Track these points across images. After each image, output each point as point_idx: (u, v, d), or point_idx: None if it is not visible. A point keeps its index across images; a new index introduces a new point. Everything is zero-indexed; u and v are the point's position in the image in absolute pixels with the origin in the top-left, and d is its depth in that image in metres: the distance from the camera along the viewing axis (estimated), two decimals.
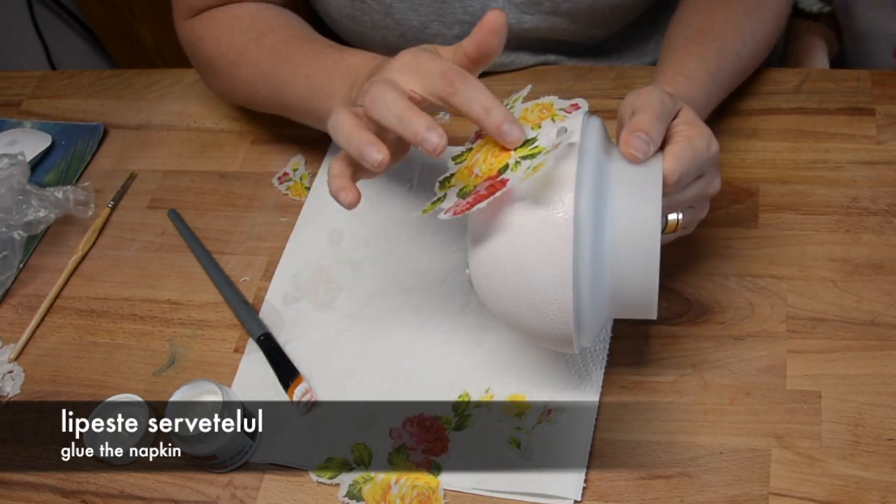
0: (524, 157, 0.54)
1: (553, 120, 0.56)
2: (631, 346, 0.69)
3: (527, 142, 0.55)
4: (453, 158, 0.59)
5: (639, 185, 0.56)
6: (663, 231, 0.60)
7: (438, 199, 0.57)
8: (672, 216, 0.60)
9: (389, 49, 0.84)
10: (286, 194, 0.84)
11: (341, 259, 0.78)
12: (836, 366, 0.65)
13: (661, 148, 0.58)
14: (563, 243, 0.53)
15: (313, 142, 0.87)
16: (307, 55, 0.74)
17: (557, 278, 0.54)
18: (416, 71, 0.57)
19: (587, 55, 0.89)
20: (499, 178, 0.54)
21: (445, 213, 0.54)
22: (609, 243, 0.55)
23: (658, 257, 0.55)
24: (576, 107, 0.58)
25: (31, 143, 0.92)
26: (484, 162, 0.56)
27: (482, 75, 0.58)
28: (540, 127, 0.56)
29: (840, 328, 0.67)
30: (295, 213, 0.82)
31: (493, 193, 0.53)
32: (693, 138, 0.59)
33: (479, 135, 0.59)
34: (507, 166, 0.54)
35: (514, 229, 0.54)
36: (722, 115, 0.80)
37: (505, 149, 0.55)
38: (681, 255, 0.73)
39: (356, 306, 0.75)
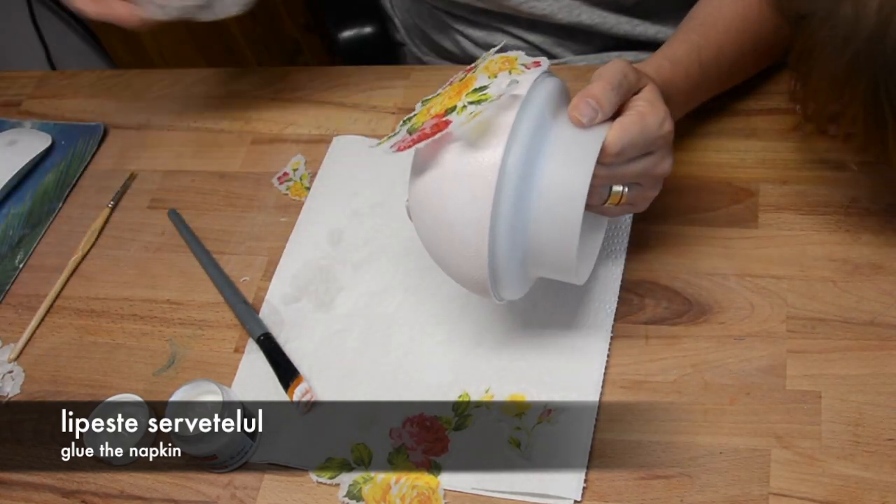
0: (471, 102, 0.56)
1: (510, 73, 0.58)
2: (631, 346, 0.69)
3: (478, 88, 0.57)
4: (422, 101, 0.61)
5: (576, 149, 0.57)
6: (606, 201, 0.61)
7: (393, 134, 0.60)
8: (617, 188, 0.61)
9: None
10: (286, 194, 0.84)
11: (341, 259, 0.78)
12: (836, 366, 0.65)
13: (614, 119, 0.59)
14: (486, 188, 0.55)
15: (313, 142, 0.87)
16: None
17: (476, 221, 0.56)
18: None
19: (623, 13, 0.88)
20: (444, 118, 0.56)
21: (392, 146, 0.57)
22: (534, 199, 0.57)
23: (579, 220, 0.56)
24: (537, 64, 0.60)
25: (31, 143, 0.92)
26: (440, 104, 0.59)
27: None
28: (496, 77, 0.58)
29: (840, 328, 0.67)
30: (295, 213, 0.82)
31: (435, 132, 0.56)
32: (646, 115, 0.59)
33: (452, 83, 0.61)
34: (454, 108, 0.57)
35: (446, 168, 0.56)
36: (722, 115, 0.80)
37: (459, 92, 0.58)
38: (681, 255, 0.73)
39: (356, 306, 0.75)
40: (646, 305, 0.71)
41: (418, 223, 0.60)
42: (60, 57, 1.70)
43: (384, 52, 1.09)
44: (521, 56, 0.60)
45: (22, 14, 1.62)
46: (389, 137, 0.60)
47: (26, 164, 0.90)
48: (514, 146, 0.55)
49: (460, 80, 0.60)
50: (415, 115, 0.61)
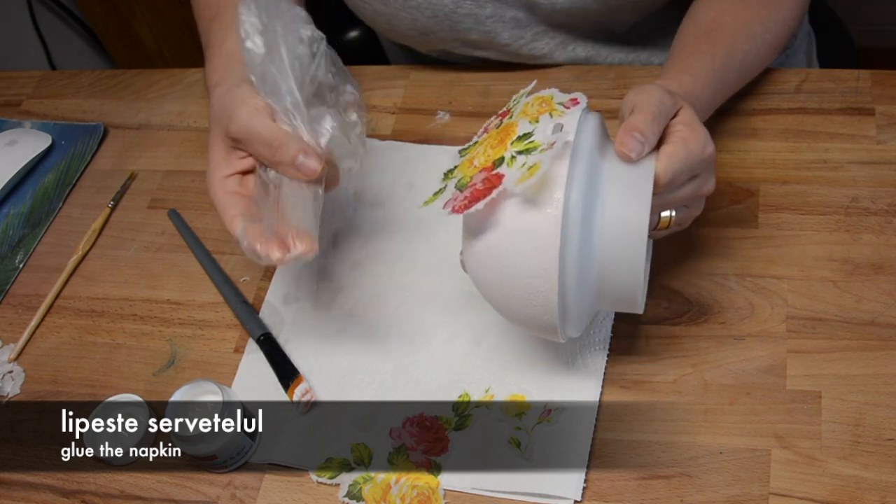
0: (519, 152, 0.56)
1: (551, 115, 0.58)
2: (631, 346, 0.69)
3: (523, 135, 0.57)
4: (460, 151, 0.61)
5: (630, 184, 0.57)
6: (656, 227, 0.61)
7: (439, 191, 0.59)
8: (665, 213, 0.61)
9: (419, 31, 0.83)
10: None
11: (341, 259, 0.78)
12: (836, 366, 0.65)
13: (658, 147, 0.59)
14: (551, 236, 0.55)
15: None
16: (211, 11, 0.77)
17: (544, 272, 0.56)
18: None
19: (616, 43, 0.88)
20: (494, 172, 0.56)
21: (444, 206, 0.56)
22: (597, 239, 0.57)
23: (643, 255, 0.56)
24: (575, 102, 0.59)
25: (31, 143, 0.92)
26: (483, 154, 0.58)
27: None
28: (538, 121, 0.57)
29: (840, 328, 0.67)
30: None
31: (489, 188, 0.55)
32: (688, 140, 0.59)
33: (487, 130, 0.60)
34: (502, 159, 0.56)
35: (507, 224, 0.56)
36: (722, 115, 0.80)
37: (503, 141, 0.57)
38: (681, 255, 0.73)
39: (356, 306, 0.75)
40: (646, 305, 0.70)
41: (479, 277, 0.60)
42: (60, 57, 1.70)
43: (378, 55, 1.09)
44: (555, 94, 0.60)
45: (22, 14, 1.62)
46: (435, 195, 0.59)
47: (26, 164, 0.90)
48: (572, 194, 0.55)
49: (498, 127, 0.60)
50: (456, 167, 0.60)
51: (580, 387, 0.67)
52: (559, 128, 0.56)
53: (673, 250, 0.73)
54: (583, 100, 0.59)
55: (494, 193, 0.55)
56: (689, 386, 0.66)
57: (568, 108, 0.58)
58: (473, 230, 0.58)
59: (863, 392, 0.64)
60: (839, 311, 0.68)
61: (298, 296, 0.77)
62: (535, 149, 0.55)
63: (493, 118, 0.62)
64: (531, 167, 0.54)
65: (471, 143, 0.61)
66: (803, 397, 0.64)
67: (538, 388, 0.68)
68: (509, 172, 0.55)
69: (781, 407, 0.64)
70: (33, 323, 0.79)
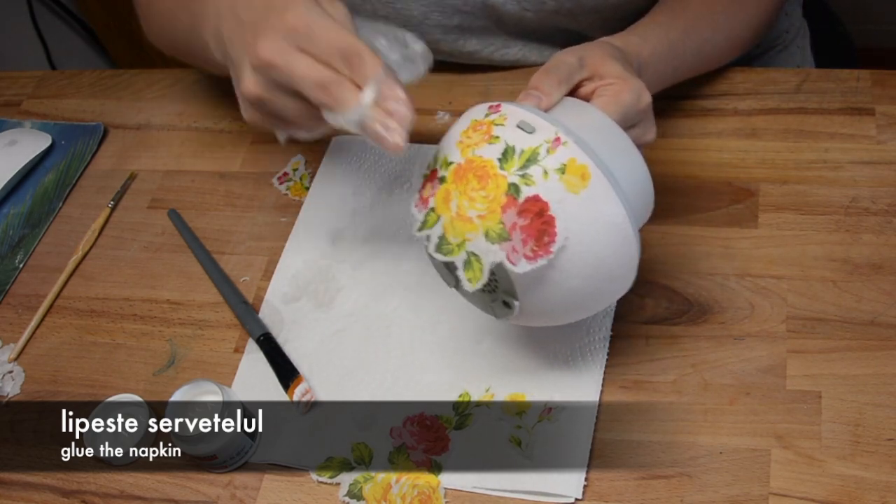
0: (523, 167, 0.54)
1: (503, 125, 0.56)
2: (631, 346, 0.69)
3: (503, 155, 0.55)
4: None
5: (604, 129, 0.58)
6: None
7: (466, 263, 0.56)
8: None
9: None
10: (286, 194, 0.84)
11: (341, 259, 0.78)
12: (836, 366, 0.65)
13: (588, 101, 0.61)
14: (617, 208, 0.55)
15: (313, 142, 0.87)
16: None
17: (625, 239, 0.56)
18: (308, 39, 0.55)
19: None
20: (521, 200, 0.54)
21: (516, 266, 0.54)
22: (622, 180, 0.57)
23: (641, 158, 0.59)
24: (497, 107, 0.58)
25: (31, 143, 0.92)
26: (473, 200, 0.55)
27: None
28: (500, 140, 0.56)
29: (840, 328, 0.67)
30: (295, 213, 0.82)
31: (536, 213, 0.54)
32: (620, 93, 0.60)
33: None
34: (513, 185, 0.54)
35: (572, 228, 0.55)
36: (722, 115, 0.80)
37: (483, 178, 0.55)
38: (681, 255, 0.73)
39: (356, 306, 0.75)
40: (646, 305, 0.71)
41: (555, 303, 0.58)
42: (60, 57, 1.70)
43: None
44: (473, 114, 0.59)
45: (22, 14, 1.62)
46: (467, 269, 0.56)
47: (26, 164, 0.90)
48: (599, 161, 0.55)
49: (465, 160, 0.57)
50: (430, 213, 0.57)
51: (580, 386, 0.67)
52: (528, 126, 0.56)
53: (673, 250, 0.73)
54: (504, 105, 0.58)
55: (556, 241, 0.54)
56: (689, 386, 0.66)
57: (496, 111, 0.58)
58: (537, 271, 0.55)
59: (863, 392, 0.64)
60: (839, 311, 0.68)
61: (298, 296, 0.77)
62: (537, 154, 0.55)
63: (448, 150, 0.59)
64: (562, 169, 0.54)
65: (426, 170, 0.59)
66: (803, 397, 0.64)
67: (538, 387, 0.67)
68: (542, 185, 0.54)
69: (781, 407, 0.64)
70: (33, 323, 0.79)
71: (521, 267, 0.54)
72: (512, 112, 0.57)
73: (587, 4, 0.80)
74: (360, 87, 0.54)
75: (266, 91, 0.57)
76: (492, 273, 0.56)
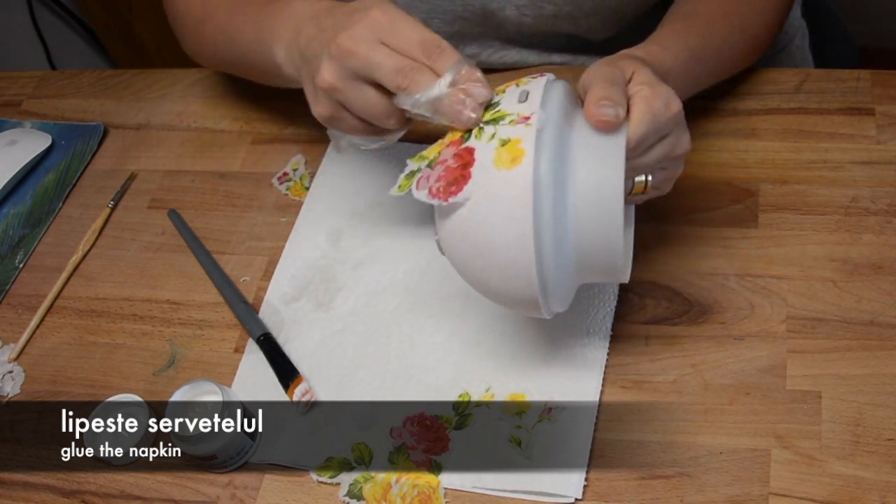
0: (487, 123, 0.56)
1: (517, 85, 0.58)
2: (631, 346, 0.69)
3: (489, 105, 0.57)
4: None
5: (601, 149, 0.56)
6: (631, 192, 0.60)
7: (413, 173, 0.58)
8: (639, 178, 0.60)
9: None
10: (286, 194, 0.84)
11: (341, 259, 0.78)
12: (836, 366, 0.65)
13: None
14: (523, 206, 0.54)
15: (313, 142, 0.87)
16: (259, 3, 0.72)
17: (519, 241, 0.55)
18: (390, 33, 0.57)
19: (594, 52, 0.89)
20: (463, 146, 0.56)
21: (418, 188, 0.56)
22: (572, 206, 0.56)
23: (621, 220, 0.55)
24: (541, 74, 0.59)
25: (31, 143, 0.92)
26: (451, 130, 0.58)
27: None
28: (504, 92, 0.58)
29: (840, 328, 0.67)
30: (295, 213, 0.82)
31: (461, 163, 0.55)
32: (650, 99, 0.58)
33: None
34: (469, 131, 0.56)
35: (478, 198, 0.55)
36: (722, 115, 0.80)
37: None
38: (681, 255, 0.73)
39: (356, 306, 0.75)
40: (646, 305, 0.71)
41: (455, 256, 0.59)
42: (60, 57, 1.70)
43: None
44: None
45: (22, 14, 1.62)
46: (408, 178, 0.58)
47: (26, 164, 0.90)
48: (541, 160, 0.54)
49: None
50: (426, 150, 0.59)
51: (580, 386, 0.67)
52: (524, 95, 0.56)
53: (673, 250, 0.73)
54: (549, 75, 0.59)
55: (471, 170, 0.54)
56: (689, 386, 0.66)
57: (534, 78, 0.58)
58: (444, 208, 0.57)
59: (863, 392, 0.64)
60: (839, 311, 0.68)
61: (298, 296, 0.77)
62: (502, 118, 0.55)
63: None
64: (504, 141, 0.54)
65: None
66: (803, 397, 0.64)
67: (538, 387, 0.68)
68: (479, 144, 0.55)
69: (781, 407, 0.64)
70: (33, 323, 0.79)
71: (418, 194, 0.56)
72: (536, 84, 0.57)
73: (585, 8, 0.80)
74: (438, 75, 0.57)
75: (341, 80, 0.59)
76: None
